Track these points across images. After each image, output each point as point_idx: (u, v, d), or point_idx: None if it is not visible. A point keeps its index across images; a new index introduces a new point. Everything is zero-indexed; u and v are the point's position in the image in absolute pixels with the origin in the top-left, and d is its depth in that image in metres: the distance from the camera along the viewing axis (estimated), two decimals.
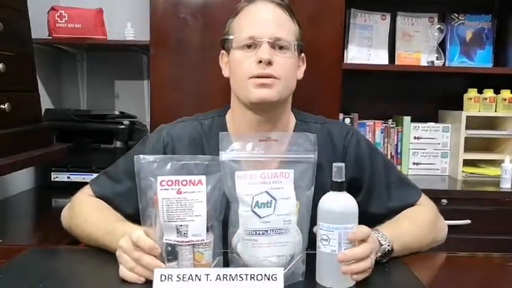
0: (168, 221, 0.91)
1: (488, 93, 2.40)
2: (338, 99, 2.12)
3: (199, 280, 0.82)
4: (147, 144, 1.27)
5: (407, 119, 2.48)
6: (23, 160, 1.52)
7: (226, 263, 0.97)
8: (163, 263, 0.93)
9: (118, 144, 2.23)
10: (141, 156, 0.94)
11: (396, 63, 2.49)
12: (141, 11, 2.26)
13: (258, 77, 1.15)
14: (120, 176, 1.23)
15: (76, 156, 2.15)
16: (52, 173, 2.22)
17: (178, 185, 0.91)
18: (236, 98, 1.23)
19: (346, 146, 1.27)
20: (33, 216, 2.02)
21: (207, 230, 0.93)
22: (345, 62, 2.37)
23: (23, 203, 2.11)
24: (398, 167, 2.41)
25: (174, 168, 0.93)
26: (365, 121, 2.49)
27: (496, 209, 2.12)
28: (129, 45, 2.33)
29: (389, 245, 1.04)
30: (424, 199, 1.27)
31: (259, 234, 0.93)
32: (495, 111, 2.41)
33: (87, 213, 1.18)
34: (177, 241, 0.92)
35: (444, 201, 2.03)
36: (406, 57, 2.50)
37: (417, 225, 1.17)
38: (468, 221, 2.07)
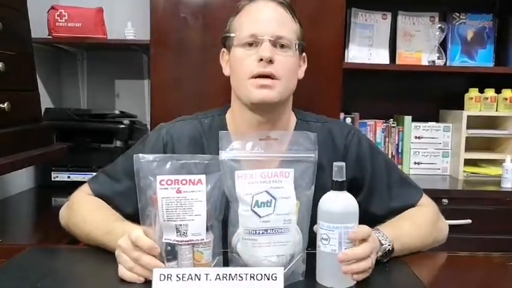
0: (168, 221, 0.91)
1: (490, 92, 2.40)
2: (339, 98, 2.12)
3: (199, 280, 0.81)
4: (146, 143, 1.26)
5: (408, 118, 2.48)
6: (23, 159, 1.52)
7: (226, 263, 0.96)
8: (163, 262, 0.92)
9: (118, 143, 2.23)
10: (141, 155, 0.94)
11: (397, 62, 2.48)
12: (141, 10, 2.26)
13: (258, 76, 1.14)
14: (119, 175, 1.23)
15: (76, 156, 2.15)
16: (52, 173, 2.22)
17: (178, 184, 0.91)
18: (236, 97, 1.23)
19: (347, 146, 1.26)
20: (33, 216, 2.02)
21: (207, 230, 0.93)
22: (345, 61, 2.37)
23: (23, 202, 2.10)
24: (399, 167, 2.39)
25: (174, 168, 0.93)
26: (366, 121, 2.49)
27: (497, 209, 2.11)
28: (130, 44, 2.33)
29: (389, 245, 1.04)
30: (425, 199, 1.27)
31: (259, 233, 0.92)
32: (496, 110, 2.41)
33: (86, 212, 1.17)
34: (177, 241, 0.91)
35: (445, 200, 2.03)
36: (407, 56, 2.49)
37: (418, 225, 1.17)
38: (469, 221, 2.07)
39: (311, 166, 0.97)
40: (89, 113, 2.33)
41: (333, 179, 0.94)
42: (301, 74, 1.26)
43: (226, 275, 0.82)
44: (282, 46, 1.17)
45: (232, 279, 0.82)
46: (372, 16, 2.47)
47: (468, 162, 2.42)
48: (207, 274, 0.82)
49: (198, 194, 0.91)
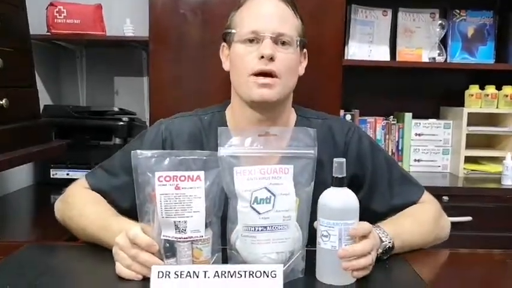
0: (166, 217, 0.90)
1: (490, 89, 2.39)
2: (339, 95, 2.11)
3: (197, 277, 0.81)
4: (145, 139, 1.25)
5: (408, 115, 2.47)
6: (21, 156, 1.51)
7: (225, 260, 0.96)
8: (162, 259, 0.92)
9: (117, 140, 2.22)
10: (139, 151, 0.93)
11: (397, 59, 2.47)
12: (140, 6, 2.24)
13: (259, 73, 1.13)
14: (117, 170, 1.22)
15: (75, 153, 2.15)
16: (51, 170, 2.22)
17: (177, 180, 0.90)
18: (236, 94, 1.22)
19: (348, 143, 1.26)
20: (31, 213, 2.02)
21: (206, 226, 0.92)
22: (345, 58, 2.36)
23: (22, 199, 2.10)
24: (400, 164, 2.38)
25: (172, 164, 0.93)
26: (366, 118, 2.48)
27: (497, 206, 2.11)
28: (128, 41, 2.32)
29: (390, 242, 1.03)
30: (427, 196, 1.26)
31: (258, 230, 0.92)
32: (497, 107, 2.40)
33: (82, 205, 1.16)
34: (176, 237, 0.91)
35: (445, 198, 2.02)
36: (408, 53, 2.48)
37: (419, 222, 1.16)
38: (469, 218, 2.06)
39: (311, 162, 0.96)
40: (88, 110, 2.32)
41: (333, 175, 0.94)
42: (301, 70, 1.25)
43: (224, 272, 0.81)
44: (283, 43, 1.16)
45: (231, 277, 0.81)
46: (372, 13, 2.46)
47: (468, 160, 2.41)
48: (205, 271, 0.81)
49: (196, 190, 0.91)
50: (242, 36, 1.17)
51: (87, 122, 2.25)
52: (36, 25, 1.99)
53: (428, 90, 2.63)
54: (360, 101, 2.52)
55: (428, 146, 2.48)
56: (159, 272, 0.81)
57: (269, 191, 0.92)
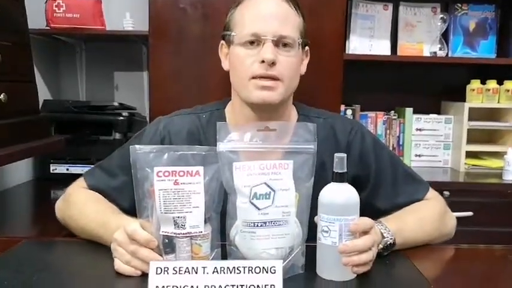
0: (165, 213, 0.90)
1: (491, 84, 2.38)
2: (339, 90, 2.10)
3: (196, 273, 0.80)
4: (143, 137, 1.24)
5: (409, 110, 2.46)
6: (20, 151, 1.50)
7: (224, 256, 0.95)
8: (161, 255, 0.91)
9: (117, 135, 2.21)
10: (137, 146, 0.93)
11: (398, 53, 2.46)
12: (139, 0, 2.23)
13: (260, 77, 1.11)
14: (115, 170, 1.21)
15: (75, 148, 2.13)
16: (51, 165, 2.20)
17: (176, 175, 0.90)
18: (236, 93, 1.21)
19: (350, 142, 1.24)
20: (31, 209, 2.01)
21: (205, 222, 0.92)
22: (346, 52, 2.35)
23: (22, 195, 2.09)
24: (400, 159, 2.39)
25: (171, 159, 0.92)
26: (367, 113, 2.47)
27: (498, 201, 2.10)
28: (128, 35, 2.30)
29: (391, 238, 1.03)
30: (432, 193, 1.25)
31: (257, 226, 0.91)
32: (498, 102, 2.39)
33: (82, 204, 1.16)
34: (175, 233, 0.90)
35: (446, 193, 2.01)
36: (409, 47, 2.47)
37: (422, 220, 1.15)
38: (470, 213, 2.05)
39: (310, 158, 0.96)
40: (88, 105, 2.31)
41: (334, 170, 0.93)
42: (303, 69, 1.23)
43: (223, 268, 0.80)
44: (285, 45, 1.13)
45: (230, 272, 0.80)
46: (373, 7, 2.45)
47: (469, 155, 2.40)
48: (204, 267, 0.80)
49: (196, 185, 0.90)
50: (242, 39, 1.13)
51: (86, 117, 2.24)
52: (36, 19, 1.98)
53: (430, 85, 2.62)
54: (360, 96, 2.51)
55: (430, 141, 2.47)
56: (157, 268, 0.81)
57: (269, 186, 0.91)
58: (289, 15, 1.14)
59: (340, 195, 0.92)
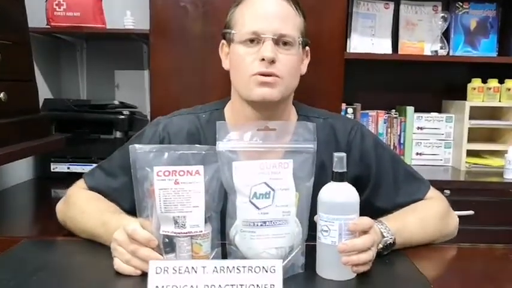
0: (165, 212, 0.90)
1: (493, 82, 2.38)
2: (340, 89, 2.10)
3: (196, 272, 0.80)
4: (143, 138, 1.23)
5: (410, 109, 2.46)
6: (21, 150, 1.50)
7: (224, 255, 0.95)
8: (161, 255, 0.91)
9: (118, 134, 2.21)
10: (137, 146, 0.93)
11: (399, 52, 2.46)
12: None
13: (260, 74, 1.11)
14: (116, 171, 1.21)
15: (75, 147, 2.14)
16: (51, 164, 2.20)
17: (176, 175, 0.90)
18: (236, 92, 1.20)
19: (350, 142, 1.24)
20: (31, 208, 2.01)
21: (205, 221, 0.92)
22: (347, 51, 2.35)
23: (22, 194, 2.09)
24: (402, 158, 2.38)
25: (171, 159, 0.92)
26: (368, 111, 2.47)
27: (499, 200, 2.10)
28: (129, 33, 2.30)
29: (391, 238, 1.02)
30: (434, 193, 1.25)
31: (257, 225, 0.91)
32: (499, 101, 2.38)
33: (84, 204, 1.16)
34: (175, 232, 0.90)
35: (447, 192, 2.01)
36: (410, 46, 2.47)
37: (423, 219, 1.14)
38: (471, 212, 2.05)
39: (310, 157, 0.95)
40: (89, 103, 2.31)
41: (333, 169, 0.93)
42: (304, 68, 1.22)
43: (223, 267, 0.80)
44: (285, 43, 1.13)
45: (230, 272, 0.80)
46: (374, 5, 2.44)
47: (470, 153, 2.40)
48: (204, 267, 0.80)
49: (196, 185, 0.90)
50: (242, 37, 1.13)
51: (87, 116, 2.24)
52: (36, 18, 1.98)
53: (431, 84, 2.62)
54: (361, 95, 2.51)
55: (430, 140, 2.47)
56: (157, 267, 0.80)
57: (268, 185, 0.91)
58: (289, 14, 1.14)
59: (339, 195, 0.92)
